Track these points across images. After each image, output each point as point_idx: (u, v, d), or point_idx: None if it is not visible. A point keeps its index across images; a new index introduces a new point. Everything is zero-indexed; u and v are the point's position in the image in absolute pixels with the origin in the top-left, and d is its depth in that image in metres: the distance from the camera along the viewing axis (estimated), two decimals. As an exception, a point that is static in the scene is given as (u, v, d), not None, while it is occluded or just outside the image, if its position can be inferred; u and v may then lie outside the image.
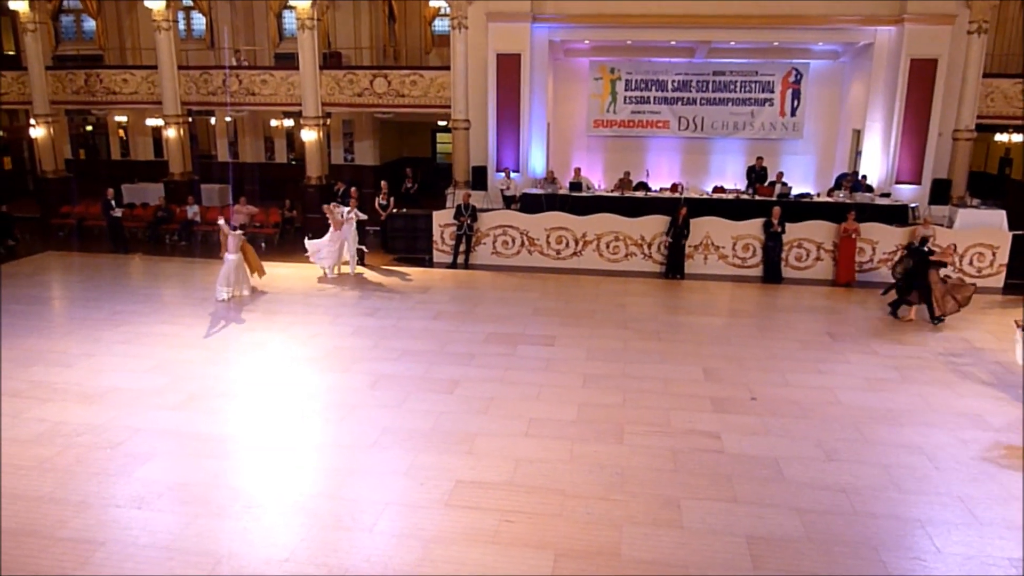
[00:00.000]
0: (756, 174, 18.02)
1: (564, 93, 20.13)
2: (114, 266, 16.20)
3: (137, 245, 18.56)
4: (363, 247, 16.06)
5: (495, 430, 8.37)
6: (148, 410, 8.80)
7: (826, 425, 8.62)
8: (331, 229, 15.26)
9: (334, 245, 15.23)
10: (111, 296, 13.60)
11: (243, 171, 25.49)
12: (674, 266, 15.62)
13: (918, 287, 12.17)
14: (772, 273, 15.36)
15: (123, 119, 25.64)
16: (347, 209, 15.36)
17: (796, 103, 19.20)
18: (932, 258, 12.19)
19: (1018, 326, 9.53)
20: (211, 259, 16.96)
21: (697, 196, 17.31)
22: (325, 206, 15.72)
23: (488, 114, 18.69)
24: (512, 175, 18.56)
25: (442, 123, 24.14)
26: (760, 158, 18.31)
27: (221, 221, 13.62)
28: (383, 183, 17.67)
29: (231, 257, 13.34)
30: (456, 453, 7.83)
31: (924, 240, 13.42)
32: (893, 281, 12.45)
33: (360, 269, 15.78)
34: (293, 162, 25.59)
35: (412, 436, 8.19)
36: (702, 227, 15.73)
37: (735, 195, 17.24)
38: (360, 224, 15.92)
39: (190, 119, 21.55)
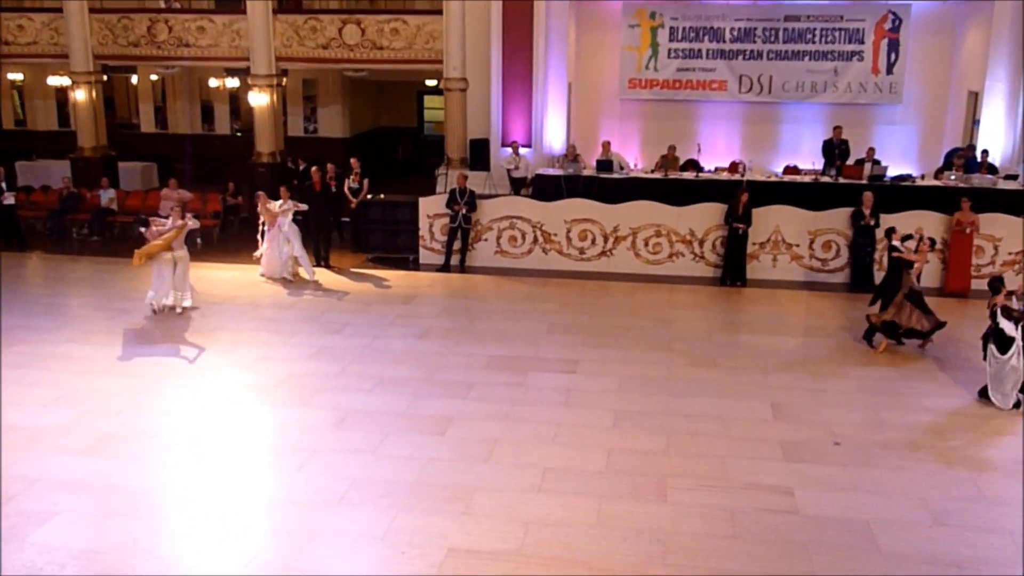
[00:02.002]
0: (838, 149, 18.00)
1: (590, 45, 20.18)
2: (5, 268, 16.29)
3: (36, 240, 18.65)
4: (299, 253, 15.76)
5: (499, 483, 8.33)
6: (48, 454, 8.79)
7: (934, 479, 8.55)
8: (266, 228, 15.36)
9: (273, 249, 15.31)
10: (2, 307, 13.66)
11: (174, 145, 25.64)
12: (733, 270, 15.60)
13: None
14: (861, 278, 15.32)
15: (18, 77, 25.83)
16: (280, 202, 15.37)
17: (893, 57, 19.18)
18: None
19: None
20: (131, 258, 16.97)
21: (763, 178, 17.28)
22: (258, 194, 15.80)
23: (491, 72, 18.74)
24: (522, 151, 18.60)
25: (431, 83, 24.20)
26: (838, 128, 18.28)
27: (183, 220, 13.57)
28: (353, 161, 17.73)
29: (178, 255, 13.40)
30: (448, 513, 7.79)
31: None
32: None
33: (316, 271, 15.78)
34: (239, 134, 25.74)
35: (391, 490, 8.16)
36: (770, 218, 15.70)
37: (813, 177, 17.21)
38: (308, 217, 15.95)
39: (105, 78, 21.70)
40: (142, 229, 13.66)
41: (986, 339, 10.40)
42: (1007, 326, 10.09)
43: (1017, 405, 10.14)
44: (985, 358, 10.40)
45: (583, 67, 20.24)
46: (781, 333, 12.97)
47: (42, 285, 15.71)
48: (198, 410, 9.99)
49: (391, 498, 8.02)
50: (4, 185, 17.84)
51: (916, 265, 12.08)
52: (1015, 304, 10.27)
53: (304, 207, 15.62)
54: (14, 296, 14.36)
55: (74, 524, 7.58)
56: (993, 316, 10.22)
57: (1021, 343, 10.09)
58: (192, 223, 13.54)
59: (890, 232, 12.73)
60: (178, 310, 13.37)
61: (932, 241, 12.72)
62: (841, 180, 16.76)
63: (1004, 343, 10.13)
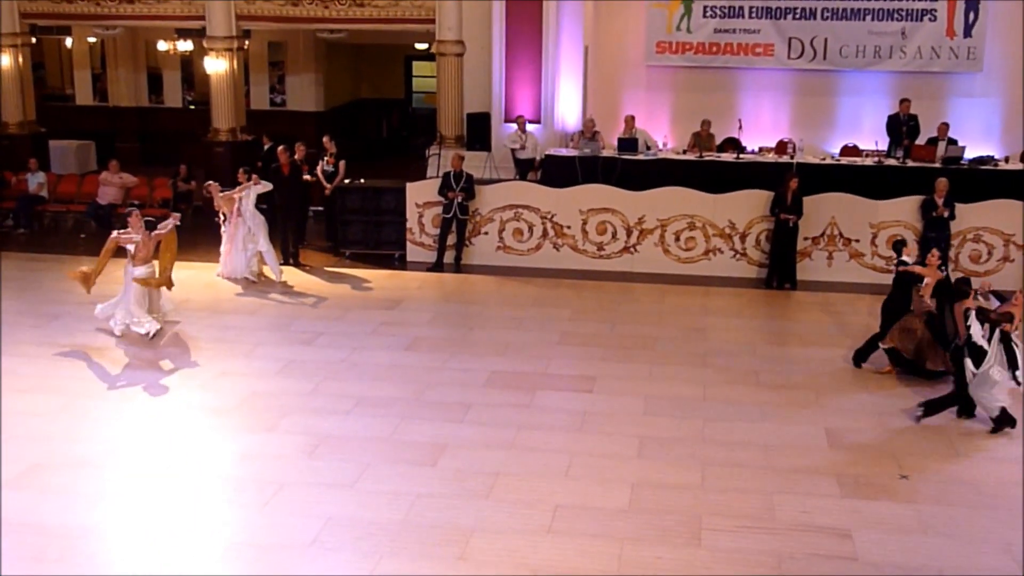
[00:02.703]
0: (905, 127, 17.98)
1: (611, 2, 20.16)
2: (-84, 265, 16.32)
3: (-49, 233, 18.70)
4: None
5: (502, 524, 8.32)
6: (-34, 488, 8.81)
7: (1019, 520, 8.55)
8: (225, 221, 15.38)
9: (233, 244, 15.33)
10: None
11: (115, 120, 25.64)
12: (781, 269, 15.60)
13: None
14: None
15: (-69, 40, 25.82)
16: (239, 188, 15.37)
17: (972, 18, 19.14)
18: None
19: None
20: (65, 254, 17.04)
21: (816, 160, 17.26)
22: (208, 185, 15.81)
23: (492, 34, 18.74)
24: (529, 127, 18.60)
25: (421, 47, 24.23)
26: (906, 101, 18.25)
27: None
28: (326, 140, 17.73)
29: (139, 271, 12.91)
30: (441, 559, 7.79)
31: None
32: None
33: (285, 271, 15.78)
34: (192, 107, 25.76)
35: (373, 532, 8.15)
36: (825, 208, 15.70)
37: (876, 159, 17.19)
38: (274, 206, 15.93)
39: (34, 40, 21.73)
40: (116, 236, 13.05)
41: (958, 354, 10.49)
42: (976, 330, 10.17)
43: (1000, 423, 10.21)
44: (957, 379, 10.59)
45: (603, 28, 20.23)
46: (837, 345, 12.91)
47: (-41, 286, 15.76)
48: (144, 436, 9.99)
49: (373, 541, 8.01)
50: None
51: (927, 280, 11.77)
52: (992, 304, 10.52)
53: (268, 186, 15.59)
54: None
55: (-4, 571, 7.60)
56: (966, 321, 10.30)
57: (999, 347, 10.13)
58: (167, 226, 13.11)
59: (900, 246, 12.60)
60: (143, 332, 12.83)
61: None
62: (909, 163, 16.74)
63: (979, 354, 10.20)
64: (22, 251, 17.58)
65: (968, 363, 10.32)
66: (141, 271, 12.87)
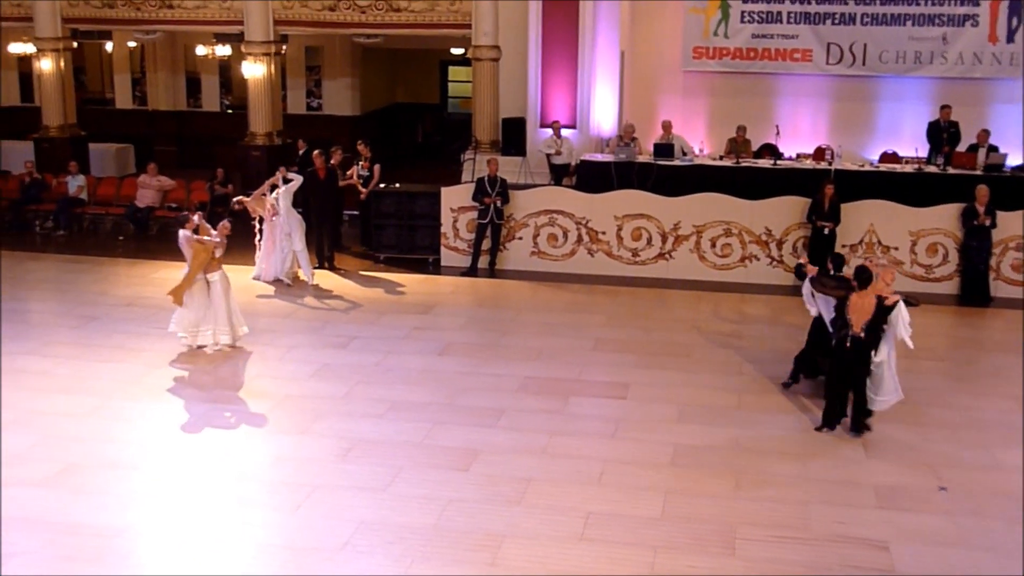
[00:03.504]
0: (946, 133, 17.81)
1: (648, 6, 20.14)
2: (-44, 266, 16.54)
3: (-8, 235, 18.94)
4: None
5: (533, 530, 8.31)
6: (2, 486, 8.87)
7: (1060, 533, 8.43)
8: (262, 225, 15.46)
9: (274, 244, 15.40)
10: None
11: (154, 124, 25.90)
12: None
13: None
14: (975, 289, 15.21)
15: (-26, 44, 26.20)
16: (274, 191, 15.44)
17: (1015, 23, 18.95)
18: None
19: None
20: (103, 256, 17.22)
21: (855, 167, 17.15)
22: (236, 201, 15.88)
23: (529, 38, 18.76)
24: (564, 132, 18.59)
25: (457, 52, 24.28)
26: (947, 108, 18.08)
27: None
28: (361, 145, 17.80)
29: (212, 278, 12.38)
30: (473, 564, 7.79)
31: None
32: None
33: (318, 275, 15.87)
34: (230, 111, 25.95)
35: (405, 536, 8.17)
36: (863, 216, 15.60)
37: (916, 166, 17.04)
38: (309, 210, 16.00)
39: (75, 44, 22.00)
40: (187, 235, 12.26)
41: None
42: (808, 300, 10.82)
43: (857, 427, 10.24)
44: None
45: (639, 33, 20.20)
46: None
47: (-3, 287, 15.97)
48: (178, 437, 10.07)
49: (404, 545, 8.02)
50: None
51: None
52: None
53: (298, 179, 15.63)
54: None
55: (31, 568, 7.66)
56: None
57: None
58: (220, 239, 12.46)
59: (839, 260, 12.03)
60: (235, 344, 12.53)
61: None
62: (950, 170, 16.60)
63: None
64: (61, 253, 17.78)
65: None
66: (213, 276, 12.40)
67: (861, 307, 10.04)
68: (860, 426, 10.27)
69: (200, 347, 12.40)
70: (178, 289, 12.19)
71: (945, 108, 18.07)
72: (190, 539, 8.14)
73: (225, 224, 12.59)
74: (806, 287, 10.98)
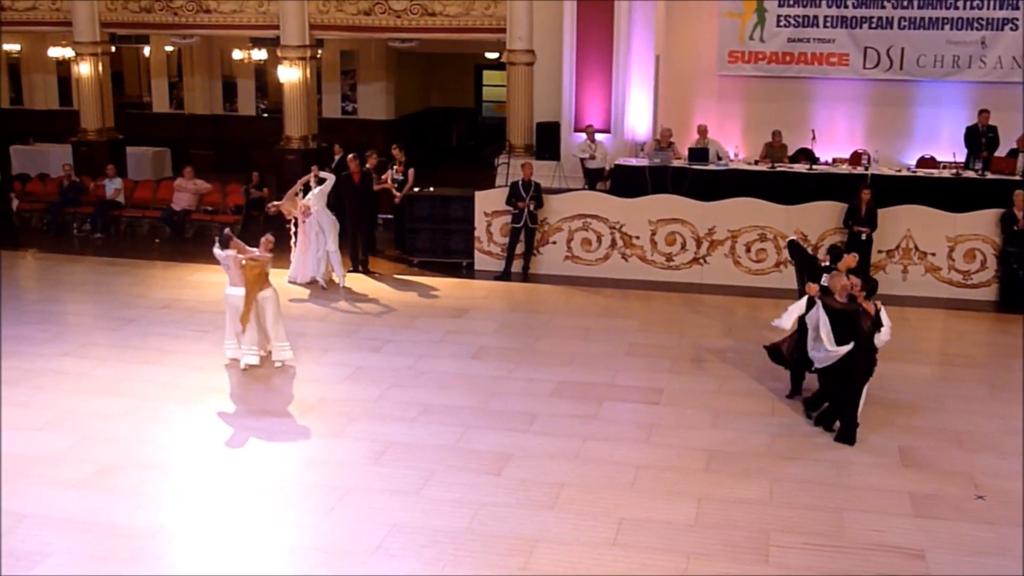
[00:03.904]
0: (984, 138, 17.62)
1: (683, 10, 20.09)
2: (-4, 268, 16.74)
3: (30, 237, 19.14)
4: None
5: (566, 535, 8.30)
6: (38, 487, 8.98)
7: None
8: (296, 228, 15.52)
9: (308, 246, 15.47)
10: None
11: (190, 128, 26.10)
12: (854, 283, 15.38)
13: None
14: (1013, 295, 15.07)
15: (14, 48, 26.55)
16: (307, 192, 15.55)
17: (1056, 26, 18.75)
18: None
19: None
20: (139, 259, 17.37)
21: (892, 172, 17.01)
22: (270, 207, 15.96)
23: (563, 42, 18.74)
24: (598, 136, 18.56)
25: (492, 56, 24.33)
26: (985, 112, 17.89)
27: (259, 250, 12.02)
28: (395, 149, 17.86)
29: (234, 292, 11.84)
30: (505, 568, 7.79)
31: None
32: None
33: (352, 278, 15.93)
34: (265, 115, 26.12)
35: (437, 539, 8.18)
36: (900, 221, 15.48)
37: (954, 171, 16.89)
38: (344, 203, 16.04)
39: (113, 49, 22.22)
40: (221, 252, 11.81)
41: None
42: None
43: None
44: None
45: (674, 37, 20.15)
46: (912, 361, 12.69)
47: (36, 289, 16.09)
48: (212, 439, 10.14)
49: (436, 549, 8.04)
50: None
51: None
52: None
53: (330, 177, 15.73)
54: (3, 301, 14.70)
55: (67, 568, 7.73)
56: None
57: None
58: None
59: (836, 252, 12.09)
60: (276, 364, 12.05)
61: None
62: (988, 175, 16.43)
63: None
64: (98, 255, 17.95)
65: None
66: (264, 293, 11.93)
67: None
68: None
69: (252, 366, 11.92)
70: (244, 316, 11.73)
71: (983, 112, 17.89)
72: (224, 540, 8.19)
73: (268, 238, 12.22)
74: (802, 308, 10.61)
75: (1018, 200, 14.91)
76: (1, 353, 12.30)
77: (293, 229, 15.62)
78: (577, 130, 18.85)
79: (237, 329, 11.88)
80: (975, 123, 17.93)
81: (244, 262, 11.72)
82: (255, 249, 11.99)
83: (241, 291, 11.71)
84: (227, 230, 12.34)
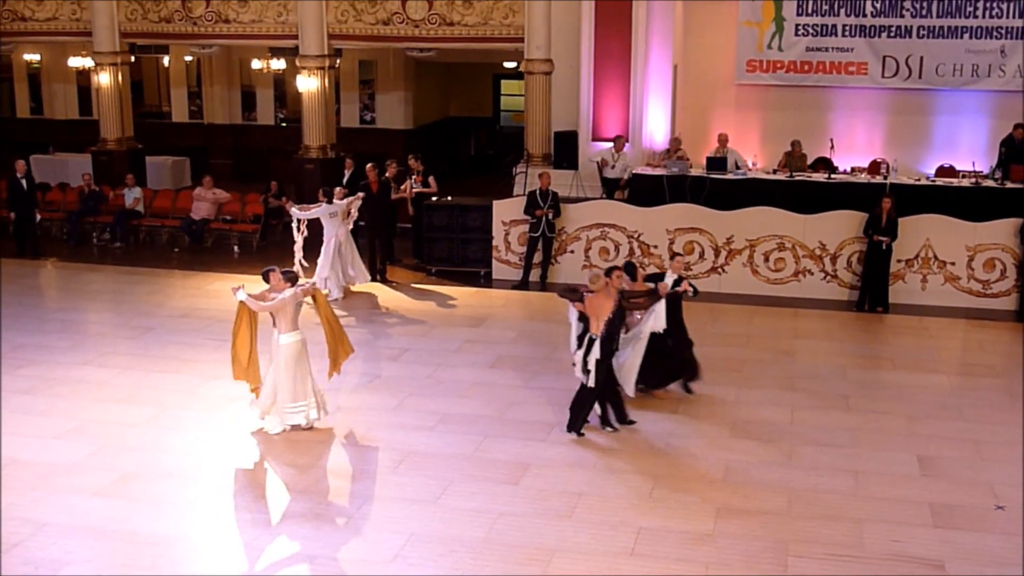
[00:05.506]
0: (1017, 149, 17.39)
1: (701, 19, 20.09)
2: (15, 277, 16.85)
3: (50, 246, 19.27)
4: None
5: (584, 544, 8.31)
6: (60, 495, 9.03)
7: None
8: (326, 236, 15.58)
9: (327, 257, 15.51)
10: (9, 323, 14.09)
11: (209, 137, 26.24)
12: (873, 292, 15.36)
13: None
14: (1034, 306, 14.97)
15: (34, 58, 26.72)
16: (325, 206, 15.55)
17: (1076, 35, 18.67)
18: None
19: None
20: (159, 268, 17.46)
21: (911, 181, 16.96)
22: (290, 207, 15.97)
23: (581, 52, 18.77)
24: (616, 146, 18.57)
25: (510, 66, 24.36)
26: (1021, 127, 17.69)
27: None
28: (412, 159, 17.92)
29: (291, 340, 10.52)
30: (522, 578, 7.81)
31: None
32: None
33: (370, 287, 15.96)
34: (284, 124, 26.23)
35: (455, 548, 8.20)
36: (919, 230, 15.44)
37: (973, 180, 16.83)
38: (363, 212, 16.11)
39: (133, 59, 22.36)
40: (242, 295, 10.42)
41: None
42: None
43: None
44: None
45: (692, 46, 20.15)
46: (931, 370, 12.69)
47: (56, 298, 16.22)
48: (232, 448, 10.20)
49: (454, 558, 8.05)
50: (25, 182, 18.33)
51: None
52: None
53: (362, 195, 15.86)
54: (23, 310, 14.84)
55: (88, 577, 7.79)
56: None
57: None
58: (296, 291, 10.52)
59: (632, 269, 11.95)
60: (304, 425, 10.55)
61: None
62: (1008, 185, 16.36)
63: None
64: (118, 264, 18.06)
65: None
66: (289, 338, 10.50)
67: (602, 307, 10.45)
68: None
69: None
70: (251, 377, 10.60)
71: (1019, 127, 17.61)
72: (243, 549, 8.23)
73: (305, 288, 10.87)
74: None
75: (1038, 209, 14.86)
76: (1, 354, 12.42)
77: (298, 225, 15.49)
78: (595, 139, 18.84)
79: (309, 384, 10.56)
80: (1010, 133, 17.50)
81: (298, 295, 10.43)
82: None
83: (300, 336, 10.53)
84: (295, 272, 11.11)
